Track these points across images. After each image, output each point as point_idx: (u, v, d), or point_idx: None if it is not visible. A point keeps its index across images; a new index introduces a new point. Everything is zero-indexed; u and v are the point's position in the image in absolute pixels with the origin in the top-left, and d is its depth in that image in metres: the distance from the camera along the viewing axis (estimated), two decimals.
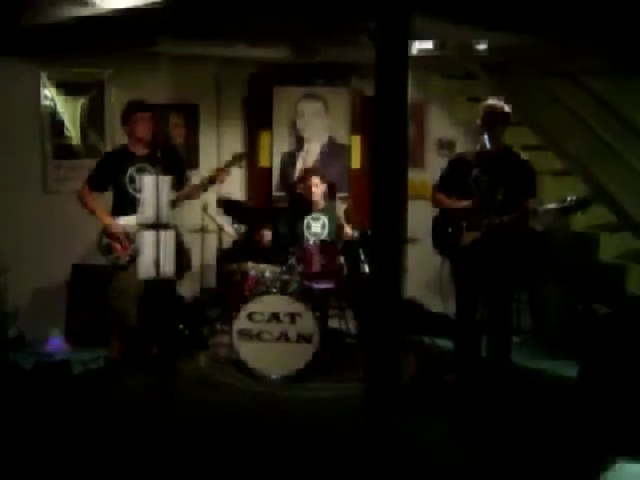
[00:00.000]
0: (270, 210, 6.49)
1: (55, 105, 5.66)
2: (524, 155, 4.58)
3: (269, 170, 6.83)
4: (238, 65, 6.57)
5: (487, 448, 3.91)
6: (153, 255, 4.50)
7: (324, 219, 5.67)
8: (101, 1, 4.05)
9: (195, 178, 5.29)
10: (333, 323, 5.53)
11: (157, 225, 4.51)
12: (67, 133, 5.77)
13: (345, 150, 6.74)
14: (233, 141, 6.74)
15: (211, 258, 6.23)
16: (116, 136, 5.68)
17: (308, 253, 5.15)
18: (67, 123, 5.76)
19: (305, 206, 5.70)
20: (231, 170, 5.06)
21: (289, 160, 6.76)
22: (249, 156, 6.67)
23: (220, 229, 5.68)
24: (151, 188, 4.51)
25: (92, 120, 5.92)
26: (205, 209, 5.61)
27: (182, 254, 4.99)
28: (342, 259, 5.30)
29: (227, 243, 5.97)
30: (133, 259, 4.73)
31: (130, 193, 4.80)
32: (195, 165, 6.48)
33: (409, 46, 3.66)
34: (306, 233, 5.61)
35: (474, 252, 4.50)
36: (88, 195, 4.82)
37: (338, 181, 6.46)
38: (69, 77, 5.72)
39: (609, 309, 4.58)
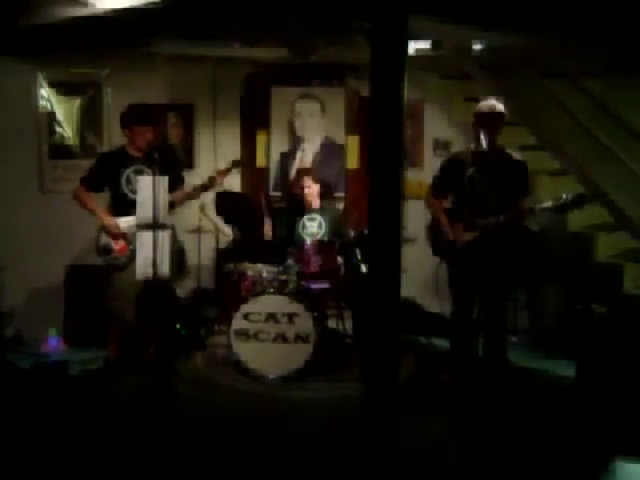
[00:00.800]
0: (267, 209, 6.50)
1: (52, 105, 5.66)
2: (521, 155, 4.59)
3: (266, 170, 6.84)
4: (235, 65, 6.57)
5: (484, 448, 3.91)
6: (150, 255, 4.50)
7: (320, 219, 5.67)
8: (98, 1, 4.05)
9: (191, 178, 5.28)
10: (331, 323, 5.53)
11: (154, 225, 4.50)
12: (64, 133, 5.77)
13: (341, 150, 6.75)
14: (230, 141, 6.73)
15: (208, 258, 6.25)
16: (113, 136, 5.68)
17: (305, 253, 5.16)
18: (64, 123, 5.75)
19: (299, 206, 5.71)
20: (225, 177, 5.06)
21: (286, 160, 6.77)
22: (246, 156, 6.68)
23: (217, 229, 5.68)
24: (148, 189, 4.51)
25: (89, 120, 5.92)
26: (202, 209, 5.61)
27: (179, 254, 4.99)
28: (340, 259, 5.31)
29: (224, 243, 5.97)
30: (130, 259, 4.74)
31: (127, 194, 4.80)
32: (192, 165, 6.48)
33: (406, 46, 3.67)
34: (302, 233, 5.62)
35: (470, 252, 4.51)
36: (85, 195, 4.82)
37: (334, 181, 6.47)
38: (66, 77, 5.72)
39: (606, 308, 4.58)
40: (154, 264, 4.47)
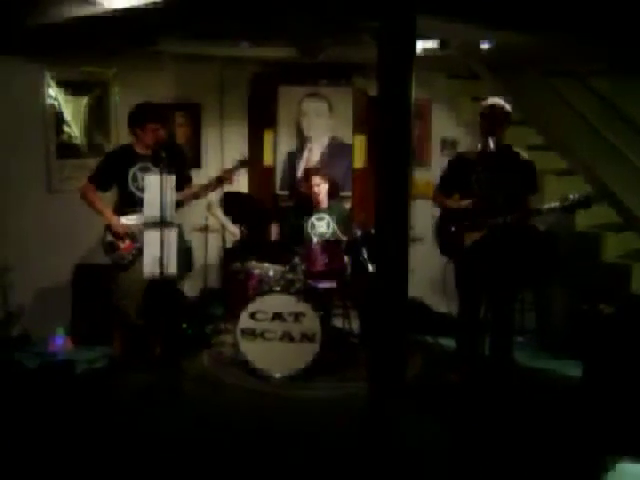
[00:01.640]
0: (274, 209, 6.51)
1: (59, 104, 5.67)
2: (527, 155, 4.58)
3: (273, 169, 6.84)
4: (242, 64, 6.59)
5: (490, 447, 3.90)
6: (157, 254, 4.51)
7: (328, 218, 5.67)
8: (106, 1, 4.05)
9: (199, 178, 5.29)
10: (337, 322, 5.53)
11: (161, 224, 4.51)
12: (71, 133, 5.77)
13: (348, 150, 6.75)
14: (237, 140, 6.75)
15: (215, 257, 6.25)
16: (121, 135, 5.69)
17: (312, 252, 5.15)
18: (71, 123, 5.76)
19: (307, 205, 5.70)
20: (233, 176, 5.05)
21: (293, 159, 6.77)
22: (253, 155, 6.69)
23: (224, 228, 5.69)
24: (156, 187, 4.51)
25: (96, 119, 5.93)
26: (209, 208, 5.62)
27: (186, 253, 5.00)
28: (347, 258, 5.30)
29: (230, 242, 5.98)
30: (136, 258, 4.74)
31: (134, 192, 4.80)
32: (199, 164, 6.49)
33: (414, 46, 3.66)
34: (311, 233, 5.62)
35: (477, 252, 4.50)
36: (92, 193, 4.82)
37: (341, 181, 6.48)
38: (73, 76, 5.73)
39: (613, 309, 4.57)
40: (161, 263, 4.48)
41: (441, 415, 4.29)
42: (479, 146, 4.54)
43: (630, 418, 4.02)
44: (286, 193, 6.72)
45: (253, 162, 6.72)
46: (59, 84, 5.63)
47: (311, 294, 5.03)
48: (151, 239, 4.55)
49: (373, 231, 4.49)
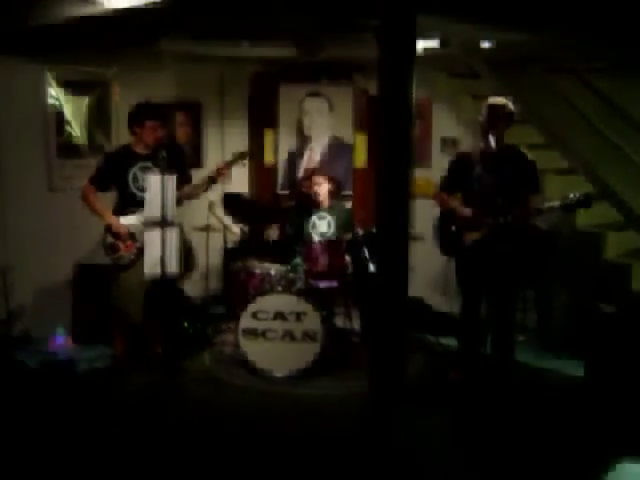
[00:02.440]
0: (274, 208, 6.51)
1: (60, 104, 5.67)
2: (528, 153, 4.58)
3: (274, 169, 6.84)
4: (243, 64, 6.58)
5: (490, 446, 3.90)
6: (158, 253, 4.50)
7: (330, 218, 5.67)
8: (106, 0, 4.05)
9: (198, 177, 5.28)
10: (339, 321, 5.53)
11: (162, 223, 4.51)
12: (72, 132, 5.77)
13: (349, 149, 6.74)
14: (238, 140, 6.74)
15: (216, 257, 6.25)
16: (122, 135, 5.68)
17: (314, 252, 5.15)
18: (72, 122, 5.76)
19: (309, 205, 5.70)
20: (232, 168, 5.03)
21: (294, 159, 6.77)
22: (254, 154, 6.68)
23: (225, 228, 5.68)
24: (157, 187, 4.51)
25: (97, 119, 5.92)
26: (210, 208, 5.61)
27: (187, 252, 4.99)
28: (348, 258, 5.30)
29: (232, 242, 5.98)
30: (137, 258, 4.74)
31: (134, 192, 4.80)
32: (199, 164, 6.48)
33: (414, 44, 3.66)
34: (312, 232, 5.62)
35: (477, 251, 4.50)
36: (92, 195, 4.82)
37: (342, 180, 6.47)
38: (74, 76, 5.72)
39: (615, 308, 4.57)
40: (162, 262, 4.48)
41: (442, 414, 4.29)
42: (481, 145, 4.54)
43: (631, 417, 4.02)
44: (287, 193, 6.72)
45: (254, 161, 6.72)
46: (60, 84, 5.62)
47: (312, 294, 5.03)
48: (152, 239, 4.55)
49: (374, 230, 4.50)
